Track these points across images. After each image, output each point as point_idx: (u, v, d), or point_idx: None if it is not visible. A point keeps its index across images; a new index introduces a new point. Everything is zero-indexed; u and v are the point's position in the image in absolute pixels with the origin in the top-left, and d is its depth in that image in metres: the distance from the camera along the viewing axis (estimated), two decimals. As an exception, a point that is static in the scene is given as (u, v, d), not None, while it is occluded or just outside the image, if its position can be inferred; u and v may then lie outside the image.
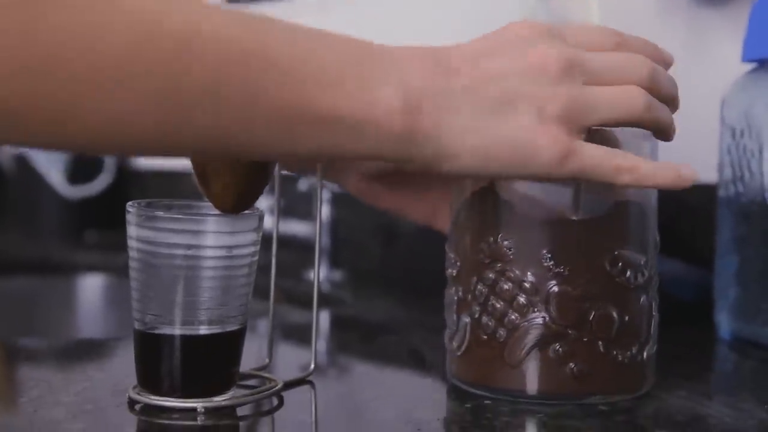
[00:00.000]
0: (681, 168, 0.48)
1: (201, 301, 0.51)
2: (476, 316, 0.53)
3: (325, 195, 1.07)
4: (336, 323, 0.81)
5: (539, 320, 0.51)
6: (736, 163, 0.75)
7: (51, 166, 1.39)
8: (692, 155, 0.89)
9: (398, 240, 1.15)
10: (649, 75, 0.49)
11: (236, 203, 0.53)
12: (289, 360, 0.66)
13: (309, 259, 1.05)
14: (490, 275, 0.52)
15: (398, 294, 0.95)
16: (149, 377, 0.52)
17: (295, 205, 1.08)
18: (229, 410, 0.51)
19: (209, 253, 0.51)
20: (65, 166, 1.39)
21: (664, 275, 0.80)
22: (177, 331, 0.51)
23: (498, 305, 0.52)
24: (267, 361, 0.60)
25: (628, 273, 0.52)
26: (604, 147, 0.47)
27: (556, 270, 0.51)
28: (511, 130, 0.45)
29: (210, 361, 0.52)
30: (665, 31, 0.93)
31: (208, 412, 0.50)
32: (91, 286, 1.19)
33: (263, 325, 0.72)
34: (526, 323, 0.51)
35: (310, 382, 0.58)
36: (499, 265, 0.52)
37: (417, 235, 1.05)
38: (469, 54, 0.47)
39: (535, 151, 0.45)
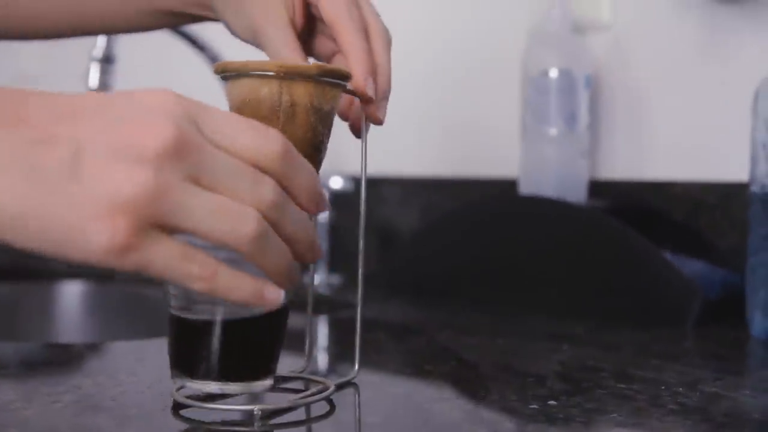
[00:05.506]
0: (265, 289, 0.41)
1: None
2: None
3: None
4: (352, 326, 0.77)
5: None
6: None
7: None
8: (715, 153, 0.87)
9: (394, 241, 1.12)
10: (274, 205, 0.41)
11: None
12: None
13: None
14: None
15: (401, 295, 0.92)
16: (187, 362, 0.48)
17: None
18: (283, 413, 0.48)
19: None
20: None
21: (690, 274, 0.79)
22: (218, 316, 0.47)
23: None
24: (306, 364, 0.57)
25: None
26: (182, 248, 0.39)
27: None
28: (63, 206, 0.37)
29: (251, 345, 0.49)
30: (681, 28, 0.92)
31: (264, 416, 0.47)
32: (71, 293, 1.14)
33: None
34: None
35: (355, 385, 0.55)
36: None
37: (413, 236, 1.02)
38: (55, 109, 0.39)
39: (83, 235, 0.38)
